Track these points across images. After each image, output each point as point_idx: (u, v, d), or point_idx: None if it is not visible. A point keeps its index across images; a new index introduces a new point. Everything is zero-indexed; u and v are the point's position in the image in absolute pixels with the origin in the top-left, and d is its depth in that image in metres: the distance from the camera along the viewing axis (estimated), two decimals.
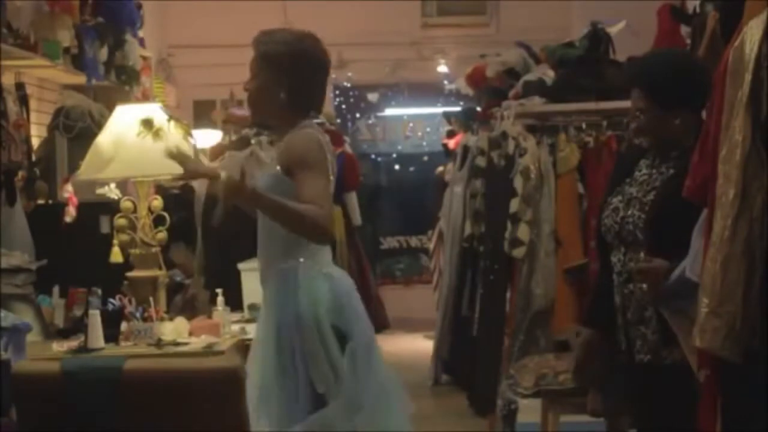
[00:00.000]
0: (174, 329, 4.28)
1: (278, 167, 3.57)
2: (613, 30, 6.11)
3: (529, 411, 5.33)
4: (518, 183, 5.76)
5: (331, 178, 3.57)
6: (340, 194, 6.99)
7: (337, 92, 11.76)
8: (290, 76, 3.61)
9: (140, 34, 7.77)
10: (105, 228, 5.37)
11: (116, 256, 4.61)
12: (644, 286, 3.50)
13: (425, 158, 12.84)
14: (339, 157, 7.13)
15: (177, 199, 5.92)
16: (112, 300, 4.32)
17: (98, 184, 5.26)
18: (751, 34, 2.87)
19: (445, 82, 11.59)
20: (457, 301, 7.58)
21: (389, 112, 12.71)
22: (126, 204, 4.58)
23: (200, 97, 10.96)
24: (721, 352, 2.88)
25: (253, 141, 5.93)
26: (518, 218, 5.76)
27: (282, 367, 3.46)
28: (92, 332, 4.15)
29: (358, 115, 12.44)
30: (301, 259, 3.54)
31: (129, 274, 4.54)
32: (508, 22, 11.02)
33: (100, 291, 4.56)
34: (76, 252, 5.30)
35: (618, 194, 3.66)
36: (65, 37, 6.11)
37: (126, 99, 6.73)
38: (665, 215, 3.51)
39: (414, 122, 12.94)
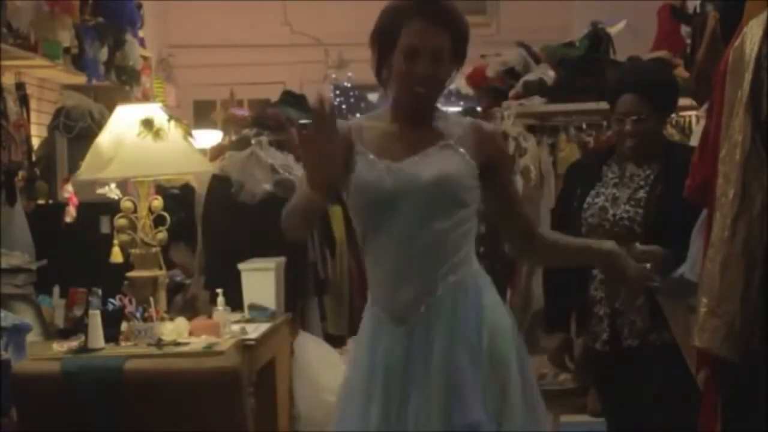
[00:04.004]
0: (174, 329, 4.28)
1: (465, 154, 2.86)
2: (613, 30, 6.10)
3: None
4: (518, 183, 5.75)
5: None
6: (340, 194, 6.98)
7: (337, 92, 11.75)
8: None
9: (140, 34, 7.77)
10: (105, 228, 5.37)
11: (116, 256, 4.61)
12: (647, 265, 3.63)
13: None
14: None
15: (177, 199, 5.91)
16: (112, 300, 4.32)
17: (98, 184, 5.27)
18: (751, 34, 2.88)
19: None
20: None
21: None
22: (126, 204, 4.58)
23: (200, 97, 10.95)
24: (720, 352, 2.88)
25: (253, 141, 5.92)
26: None
27: None
28: (92, 332, 4.15)
29: (358, 115, 12.43)
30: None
31: (129, 274, 4.54)
32: (508, 22, 11.00)
33: (100, 291, 4.57)
34: (76, 252, 5.30)
35: (597, 196, 3.86)
36: (65, 37, 6.11)
37: (126, 99, 6.74)
38: (663, 208, 3.73)
39: None
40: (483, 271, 2.96)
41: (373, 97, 12.08)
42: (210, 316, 4.56)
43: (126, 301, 4.32)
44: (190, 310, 4.76)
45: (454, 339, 2.77)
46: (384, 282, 2.83)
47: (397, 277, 2.80)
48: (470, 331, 2.79)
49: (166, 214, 4.62)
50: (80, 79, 6.42)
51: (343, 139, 2.76)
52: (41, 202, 5.74)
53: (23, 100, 5.53)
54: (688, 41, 5.22)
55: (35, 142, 5.95)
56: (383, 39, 2.84)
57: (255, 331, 4.60)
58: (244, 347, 4.39)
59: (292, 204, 2.80)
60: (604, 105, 4.20)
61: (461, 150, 2.85)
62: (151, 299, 4.36)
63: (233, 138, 6.71)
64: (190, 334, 4.34)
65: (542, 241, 3.04)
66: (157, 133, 4.54)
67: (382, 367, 2.78)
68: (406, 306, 2.79)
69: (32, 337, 4.32)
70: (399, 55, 2.80)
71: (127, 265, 4.58)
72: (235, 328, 4.54)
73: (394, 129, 2.87)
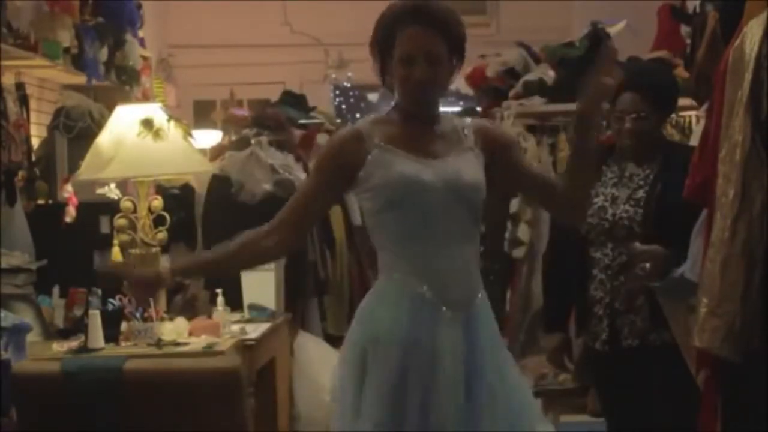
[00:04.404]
0: (174, 329, 4.28)
1: (479, 154, 2.96)
2: (613, 30, 6.11)
3: None
4: None
5: None
6: (343, 195, 6.98)
7: (337, 92, 11.75)
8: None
9: (140, 34, 7.76)
10: (105, 228, 5.37)
11: (116, 256, 4.61)
12: (647, 265, 3.64)
13: None
14: None
15: (177, 199, 5.91)
16: (112, 300, 4.32)
17: (98, 184, 5.26)
18: (751, 34, 2.88)
19: None
20: None
21: None
22: (126, 204, 4.58)
23: (200, 97, 10.95)
24: (720, 352, 2.89)
25: (253, 141, 5.92)
26: (518, 218, 5.77)
27: None
28: (92, 332, 4.15)
29: (358, 115, 12.42)
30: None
31: None
32: (508, 22, 11.01)
33: (100, 291, 4.56)
34: (76, 252, 5.30)
35: (597, 195, 3.85)
36: (65, 37, 6.11)
37: (126, 99, 6.73)
38: (662, 208, 3.73)
39: None
40: None
41: (373, 97, 12.09)
42: (210, 316, 4.56)
43: (126, 301, 4.31)
44: (190, 310, 4.75)
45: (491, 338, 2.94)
46: (435, 277, 2.86)
47: (449, 275, 2.87)
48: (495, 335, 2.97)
49: (166, 214, 4.62)
50: (80, 79, 6.42)
51: (353, 141, 2.88)
52: (41, 202, 5.74)
53: (23, 100, 5.53)
54: (688, 41, 5.22)
55: (35, 142, 5.95)
56: (381, 48, 2.92)
57: (255, 331, 4.60)
58: (244, 347, 4.39)
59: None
60: (604, 105, 4.20)
61: (479, 156, 2.94)
62: (151, 299, 4.36)
63: (233, 138, 6.71)
64: (190, 334, 4.33)
65: (561, 185, 3.04)
66: (157, 133, 4.54)
67: (442, 351, 2.82)
68: (460, 302, 2.88)
69: (32, 337, 4.32)
70: (396, 62, 2.88)
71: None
72: (235, 328, 4.54)
73: (408, 130, 2.92)
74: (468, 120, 3.04)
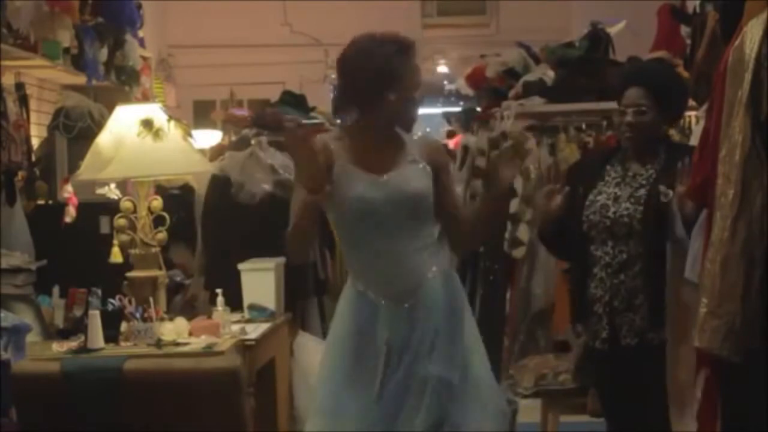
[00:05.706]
0: (174, 329, 4.28)
1: (425, 166, 3.29)
2: (613, 30, 6.12)
3: (529, 411, 5.33)
4: (518, 183, 5.76)
5: None
6: None
7: None
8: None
9: (140, 34, 7.76)
10: (105, 228, 5.37)
11: (116, 256, 4.61)
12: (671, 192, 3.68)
13: None
14: None
15: (177, 199, 5.91)
16: (112, 300, 4.32)
17: (98, 184, 5.26)
18: (751, 34, 2.88)
19: (445, 82, 11.59)
20: None
21: None
22: (126, 204, 4.58)
23: (200, 97, 10.96)
24: (721, 352, 2.89)
25: (253, 141, 5.92)
26: (518, 218, 5.77)
27: None
28: (92, 332, 4.15)
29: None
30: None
31: (129, 274, 4.53)
32: (508, 22, 11.03)
33: (100, 291, 4.56)
34: (76, 252, 5.30)
35: (599, 194, 3.89)
36: (65, 37, 6.11)
37: (126, 99, 6.73)
38: (661, 206, 3.74)
39: None
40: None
41: None
42: (210, 316, 4.56)
43: (126, 301, 4.31)
44: (190, 310, 4.75)
45: (445, 314, 3.25)
46: (377, 277, 3.24)
47: (390, 274, 3.22)
48: (454, 308, 3.30)
49: (165, 214, 4.62)
50: (80, 79, 6.42)
51: (324, 150, 3.19)
52: (41, 202, 5.74)
53: (23, 101, 5.53)
54: (688, 41, 5.23)
55: (35, 142, 5.95)
56: (377, 76, 3.17)
57: (255, 331, 4.60)
58: (244, 347, 4.39)
59: (295, 224, 3.21)
60: (603, 105, 4.22)
61: (423, 164, 3.27)
62: (151, 299, 4.36)
63: (233, 138, 6.70)
64: (190, 334, 4.34)
65: (464, 221, 3.38)
66: (156, 133, 4.54)
67: (384, 339, 3.19)
68: (403, 293, 3.21)
69: (32, 337, 4.32)
70: (399, 92, 3.18)
71: (127, 265, 4.58)
72: (235, 328, 4.54)
73: (367, 145, 3.24)
74: (415, 136, 3.34)
